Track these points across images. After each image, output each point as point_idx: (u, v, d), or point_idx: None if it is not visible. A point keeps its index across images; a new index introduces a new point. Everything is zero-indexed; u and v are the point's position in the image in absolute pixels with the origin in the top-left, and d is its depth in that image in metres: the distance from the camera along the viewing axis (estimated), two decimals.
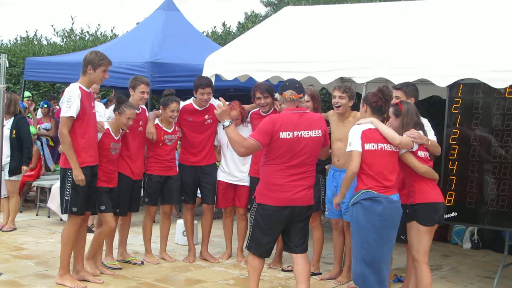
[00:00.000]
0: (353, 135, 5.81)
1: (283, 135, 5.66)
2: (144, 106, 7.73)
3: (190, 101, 7.91)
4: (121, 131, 7.18)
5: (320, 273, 7.53)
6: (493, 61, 6.63)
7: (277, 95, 6.08)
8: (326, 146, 6.09)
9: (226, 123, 5.75)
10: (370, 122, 5.82)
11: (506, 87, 6.81)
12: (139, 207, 7.82)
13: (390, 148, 5.78)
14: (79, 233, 6.80)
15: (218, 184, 8.05)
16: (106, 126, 7.04)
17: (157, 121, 7.72)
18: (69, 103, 6.43)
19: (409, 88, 6.50)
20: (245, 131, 7.59)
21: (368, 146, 5.73)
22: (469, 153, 7.10)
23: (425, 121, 6.24)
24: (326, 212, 7.45)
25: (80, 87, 6.55)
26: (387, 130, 5.80)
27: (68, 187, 6.55)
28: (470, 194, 7.01)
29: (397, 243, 6.26)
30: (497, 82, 6.54)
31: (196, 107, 7.81)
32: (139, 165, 7.57)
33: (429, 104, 10.41)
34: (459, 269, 8.18)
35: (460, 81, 6.99)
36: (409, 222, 5.99)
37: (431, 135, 6.18)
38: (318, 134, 5.80)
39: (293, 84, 5.93)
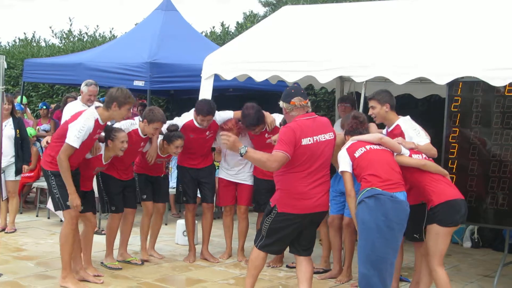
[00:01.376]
0: (341, 157, 5.92)
1: (305, 141, 5.66)
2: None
3: (191, 116, 7.80)
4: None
5: (330, 270, 7.54)
6: (492, 59, 6.62)
7: (282, 104, 6.00)
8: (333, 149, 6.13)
9: (243, 150, 5.60)
10: (351, 140, 6.02)
11: (506, 85, 6.80)
12: (135, 203, 7.79)
13: (380, 147, 5.87)
14: (77, 232, 6.81)
15: (219, 182, 8.09)
16: (102, 151, 6.98)
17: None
18: (80, 134, 6.38)
19: (381, 95, 6.49)
20: (244, 140, 7.70)
21: (357, 153, 5.81)
22: (469, 152, 7.09)
23: (409, 125, 6.29)
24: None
25: (96, 120, 6.52)
26: (366, 136, 6.02)
27: (54, 186, 6.58)
28: (470, 192, 7.00)
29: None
30: (497, 80, 6.53)
31: (197, 125, 7.76)
32: (128, 172, 7.61)
33: (428, 102, 10.41)
34: (459, 268, 8.18)
35: (460, 79, 6.99)
36: (429, 225, 5.92)
37: (422, 139, 6.18)
38: (331, 136, 5.87)
39: (298, 91, 5.96)
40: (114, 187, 7.44)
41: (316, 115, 5.98)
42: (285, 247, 5.99)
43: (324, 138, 5.77)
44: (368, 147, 5.86)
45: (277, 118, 7.62)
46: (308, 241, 5.95)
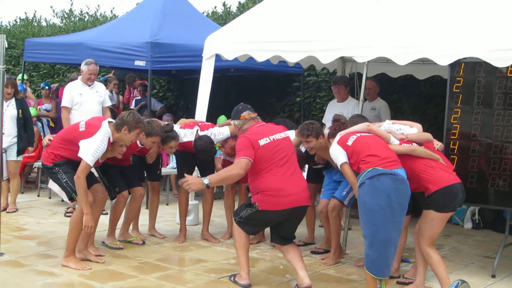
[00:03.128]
0: (334, 152, 6.02)
1: (262, 142, 6.01)
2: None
3: (192, 137, 7.67)
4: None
5: (314, 243, 7.86)
6: (495, 40, 6.59)
7: (233, 122, 6.49)
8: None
9: (206, 181, 5.80)
10: (338, 135, 6.14)
11: (508, 66, 6.77)
12: (140, 182, 7.80)
13: (370, 134, 5.95)
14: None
15: (218, 162, 8.08)
16: None
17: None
18: (96, 154, 6.40)
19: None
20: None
21: (350, 141, 5.90)
22: (471, 133, 7.08)
23: (393, 127, 6.32)
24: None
25: (109, 139, 6.54)
26: (353, 127, 6.15)
27: (61, 175, 6.59)
28: (471, 173, 6.99)
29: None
30: (499, 61, 6.51)
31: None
32: (126, 162, 7.59)
33: (430, 83, 10.39)
34: (459, 249, 8.19)
35: (462, 60, 6.96)
36: (425, 210, 5.91)
37: (409, 130, 6.24)
38: (287, 134, 6.29)
39: (246, 107, 6.46)
40: (112, 170, 7.40)
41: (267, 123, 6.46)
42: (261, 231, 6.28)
43: (280, 136, 6.17)
44: (358, 134, 5.95)
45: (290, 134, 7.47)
46: (289, 233, 6.22)
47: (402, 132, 6.18)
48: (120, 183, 7.43)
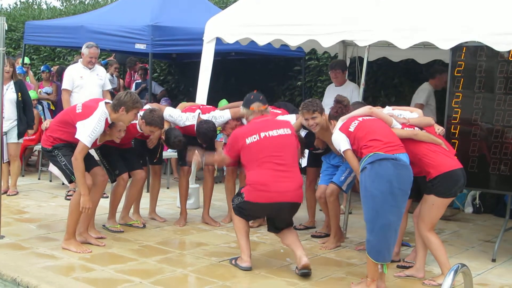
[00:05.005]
0: (336, 139, 5.96)
1: (249, 140, 6.08)
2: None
3: (194, 121, 7.69)
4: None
5: (315, 227, 7.86)
6: (497, 23, 6.55)
7: (242, 110, 6.55)
8: (299, 148, 6.53)
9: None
10: (340, 120, 6.06)
11: (510, 51, 6.75)
12: (140, 165, 7.75)
13: (372, 117, 5.90)
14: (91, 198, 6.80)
15: (219, 145, 8.06)
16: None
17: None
18: (93, 134, 6.41)
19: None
20: None
21: (352, 127, 5.83)
22: (472, 117, 7.06)
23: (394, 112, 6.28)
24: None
25: (106, 120, 6.55)
26: (355, 111, 6.06)
27: (61, 158, 6.61)
28: (472, 158, 6.99)
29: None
30: (501, 45, 6.48)
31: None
32: (126, 145, 7.58)
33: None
34: (460, 233, 8.20)
35: (463, 44, 6.93)
36: (426, 195, 5.92)
37: (410, 115, 6.22)
38: (287, 132, 6.22)
39: (257, 97, 6.47)
40: (113, 152, 7.39)
41: (271, 117, 6.53)
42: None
43: (277, 133, 6.13)
44: (360, 119, 5.89)
45: (291, 118, 7.39)
46: (282, 224, 6.28)
47: (403, 117, 6.16)
48: (120, 165, 7.42)
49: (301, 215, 6.98)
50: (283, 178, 6.00)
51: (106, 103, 6.64)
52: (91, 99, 7.03)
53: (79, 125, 6.44)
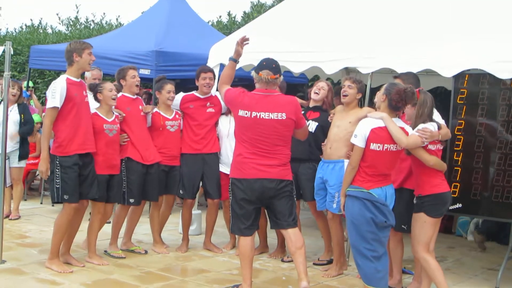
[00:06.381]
0: (361, 129, 5.69)
1: (241, 113, 5.95)
2: (139, 97, 7.91)
3: (192, 92, 7.87)
4: (117, 115, 7.23)
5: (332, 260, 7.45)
6: (499, 51, 6.59)
7: (253, 73, 6.17)
8: (300, 128, 6.18)
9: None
10: (380, 118, 5.69)
11: None
12: (158, 196, 7.74)
13: (395, 148, 5.69)
14: (75, 223, 6.91)
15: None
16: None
17: (156, 109, 7.71)
18: (54, 94, 6.53)
19: (407, 75, 6.51)
20: (225, 119, 7.94)
21: (373, 146, 5.63)
22: (474, 144, 7.06)
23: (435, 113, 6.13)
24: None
25: (67, 79, 6.64)
26: (395, 130, 5.62)
27: (58, 176, 6.63)
28: (475, 185, 6.97)
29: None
30: (503, 73, 6.51)
31: (198, 95, 7.79)
32: (150, 149, 7.53)
33: (434, 95, 10.23)
34: (463, 261, 8.16)
35: (466, 71, 6.95)
36: (416, 213, 5.93)
37: (439, 118, 6.12)
38: (281, 117, 5.93)
39: (270, 64, 6.10)
40: (136, 175, 7.42)
41: (276, 94, 6.10)
42: (250, 224, 6.08)
43: (268, 116, 5.91)
44: (385, 147, 5.63)
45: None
46: (283, 213, 6.05)
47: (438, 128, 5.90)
48: (138, 195, 7.47)
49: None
50: (262, 157, 5.91)
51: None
52: None
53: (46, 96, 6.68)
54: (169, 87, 7.67)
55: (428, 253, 5.92)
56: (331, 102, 7.51)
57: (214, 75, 7.85)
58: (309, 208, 7.74)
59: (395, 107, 5.75)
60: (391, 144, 5.65)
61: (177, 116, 7.77)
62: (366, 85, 7.77)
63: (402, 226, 6.26)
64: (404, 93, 5.72)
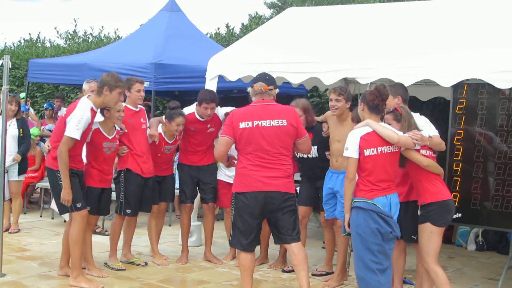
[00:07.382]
0: (351, 140, 5.69)
1: (242, 125, 5.94)
2: (142, 106, 7.85)
3: (192, 109, 7.83)
4: (118, 129, 7.20)
5: (332, 272, 7.43)
6: (497, 61, 6.59)
7: (249, 89, 6.27)
8: (302, 138, 6.12)
9: None
10: (366, 125, 5.71)
11: (511, 88, 6.78)
12: (151, 207, 7.78)
13: (390, 150, 5.66)
14: (86, 232, 6.88)
15: (218, 183, 8.05)
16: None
17: (160, 129, 7.71)
18: (79, 125, 6.39)
19: (395, 87, 6.47)
20: None
21: (367, 152, 5.61)
22: (474, 154, 7.07)
23: (422, 119, 6.15)
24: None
25: (92, 109, 6.54)
26: (383, 130, 5.65)
27: (61, 184, 6.57)
28: (474, 195, 6.98)
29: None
30: (502, 82, 6.50)
31: (199, 118, 7.78)
32: (149, 162, 7.57)
33: (433, 105, 10.39)
34: (463, 271, 8.15)
35: (465, 81, 6.97)
36: (421, 224, 5.89)
37: (432, 131, 6.06)
38: (282, 123, 5.97)
39: (263, 77, 6.21)
40: (135, 187, 7.45)
41: (273, 103, 6.13)
42: (251, 239, 6.00)
43: (270, 124, 5.94)
44: (379, 150, 5.62)
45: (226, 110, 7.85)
46: (286, 227, 6.00)
47: (428, 135, 5.94)
48: (135, 206, 7.49)
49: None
50: (266, 169, 5.88)
51: (88, 96, 6.67)
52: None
53: (67, 120, 6.45)
54: (180, 120, 7.62)
55: (438, 264, 5.90)
56: (312, 119, 7.50)
57: (217, 103, 7.76)
58: (313, 220, 7.76)
59: (374, 107, 5.75)
60: (385, 146, 5.65)
61: (177, 138, 7.87)
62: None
63: (413, 236, 6.20)
64: (376, 90, 5.79)
